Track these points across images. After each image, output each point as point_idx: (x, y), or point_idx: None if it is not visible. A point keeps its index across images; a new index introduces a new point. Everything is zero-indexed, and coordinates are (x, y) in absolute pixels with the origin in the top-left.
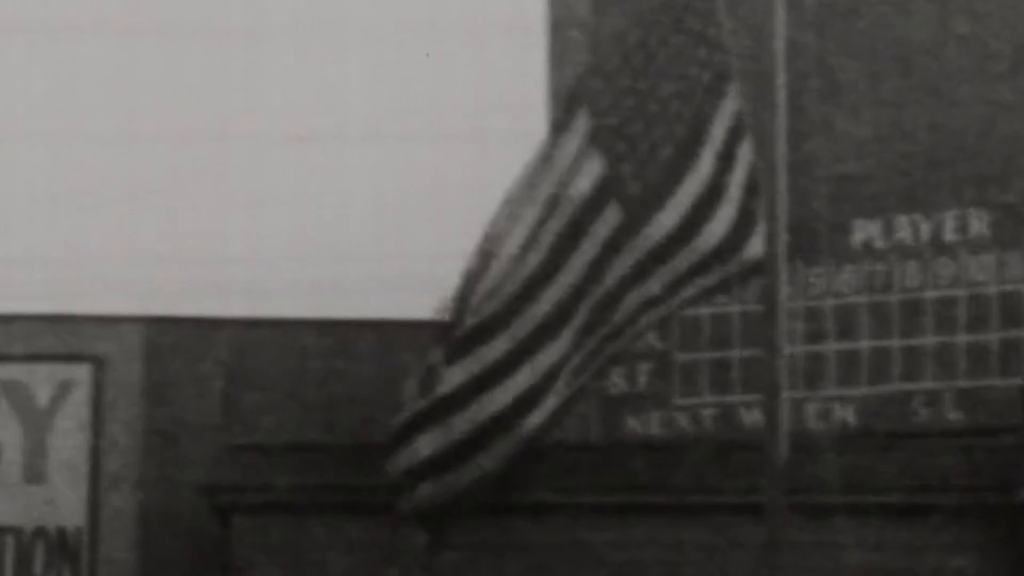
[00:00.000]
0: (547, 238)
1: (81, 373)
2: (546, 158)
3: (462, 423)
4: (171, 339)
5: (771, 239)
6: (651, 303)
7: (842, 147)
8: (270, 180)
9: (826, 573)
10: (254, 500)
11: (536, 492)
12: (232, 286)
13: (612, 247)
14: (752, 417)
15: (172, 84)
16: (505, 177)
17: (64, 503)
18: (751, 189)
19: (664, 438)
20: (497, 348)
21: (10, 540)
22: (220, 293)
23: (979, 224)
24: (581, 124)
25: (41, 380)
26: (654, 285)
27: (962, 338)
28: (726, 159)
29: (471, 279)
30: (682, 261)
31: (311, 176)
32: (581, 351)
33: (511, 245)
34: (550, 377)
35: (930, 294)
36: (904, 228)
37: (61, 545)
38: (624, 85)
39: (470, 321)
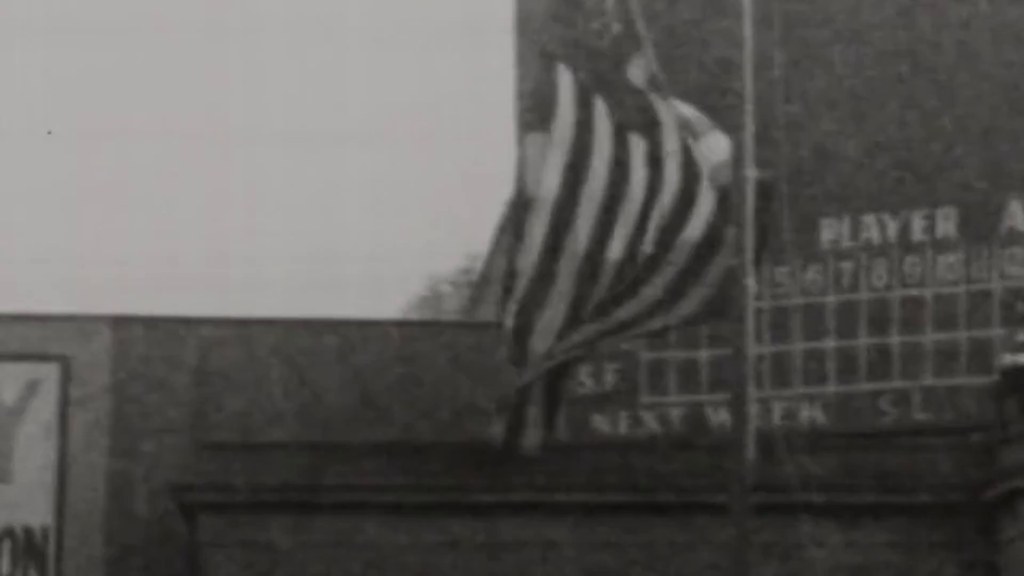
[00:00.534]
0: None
1: (48, 373)
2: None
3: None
4: (138, 339)
5: (738, 239)
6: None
7: (808, 147)
8: (250, 179)
9: (793, 572)
10: (220, 499)
11: (505, 491)
12: (215, 284)
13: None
14: (719, 417)
15: (165, 82)
16: (501, 176)
17: (31, 503)
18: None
19: (631, 437)
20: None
21: None
22: (196, 291)
23: (947, 223)
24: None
25: (8, 380)
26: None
27: (930, 337)
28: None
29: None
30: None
31: (303, 175)
32: None
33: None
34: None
35: (898, 293)
36: (872, 227)
37: (28, 545)
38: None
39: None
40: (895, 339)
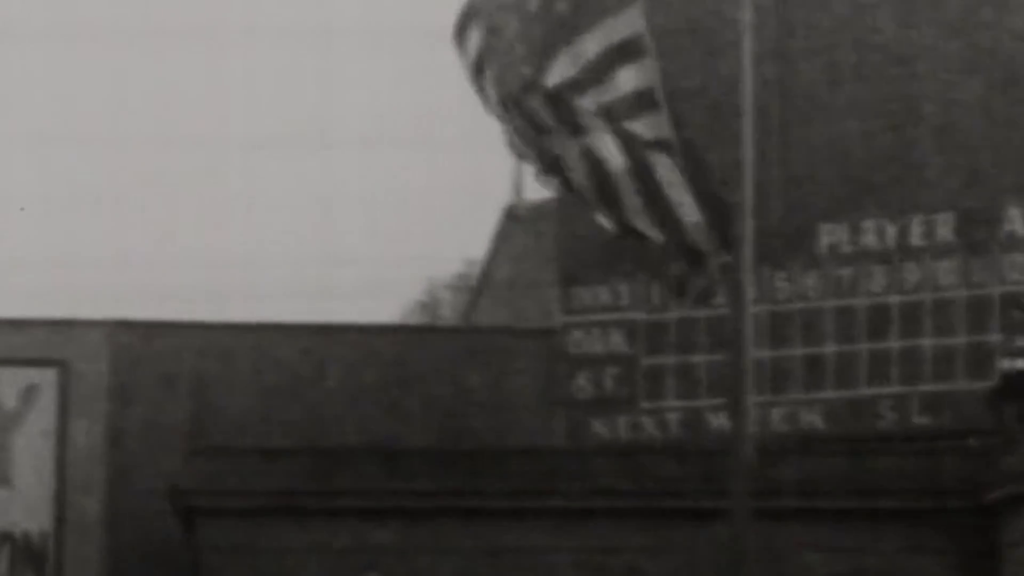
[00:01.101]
0: None
1: (47, 377)
2: None
3: None
4: (136, 344)
5: (737, 244)
6: None
7: (807, 152)
8: (246, 185)
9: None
10: (218, 503)
11: (503, 496)
12: (213, 289)
13: None
14: (718, 421)
15: (165, 88)
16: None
17: (30, 506)
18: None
19: (630, 442)
20: None
21: None
22: (194, 296)
23: (945, 229)
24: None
25: (7, 384)
26: None
27: (928, 342)
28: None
29: None
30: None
31: (301, 181)
32: None
33: None
34: None
35: (896, 298)
36: (870, 232)
37: (27, 548)
38: None
39: None
40: (894, 344)
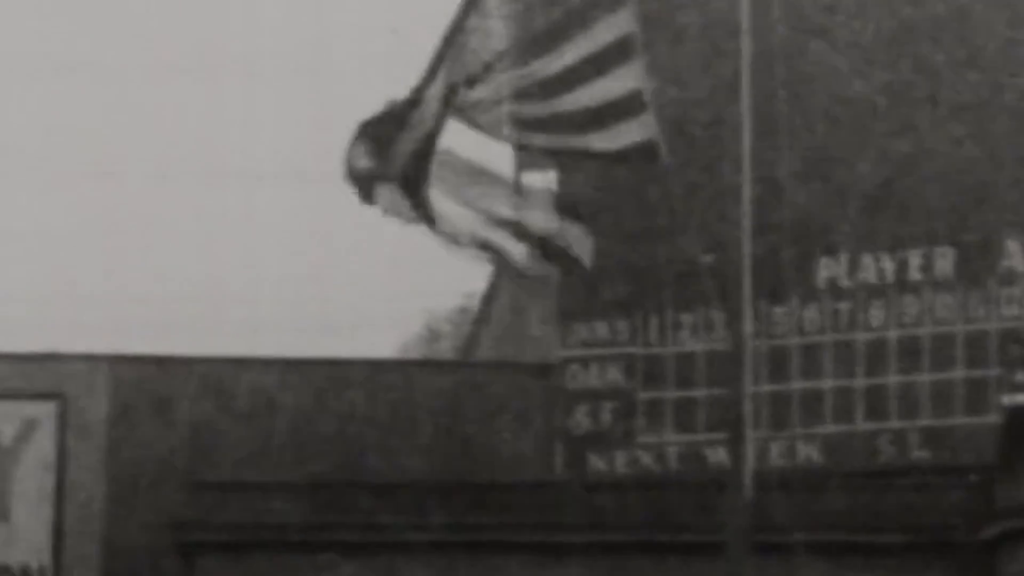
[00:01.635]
0: None
1: (46, 411)
2: None
3: None
4: (135, 378)
5: (736, 278)
6: None
7: (805, 186)
8: (246, 219)
9: None
10: (217, 537)
11: (503, 531)
12: (213, 323)
13: None
14: (717, 456)
15: (161, 122)
16: None
17: (28, 541)
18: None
19: (629, 476)
20: None
21: None
22: (193, 330)
23: (944, 263)
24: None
25: (5, 418)
26: None
27: (927, 377)
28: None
29: None
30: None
31: (300, 215)
32: None
33: None
34: None
35: (895, 333)
36: (869, 267)
37: None
38: None
39: None
40: (892, 379)
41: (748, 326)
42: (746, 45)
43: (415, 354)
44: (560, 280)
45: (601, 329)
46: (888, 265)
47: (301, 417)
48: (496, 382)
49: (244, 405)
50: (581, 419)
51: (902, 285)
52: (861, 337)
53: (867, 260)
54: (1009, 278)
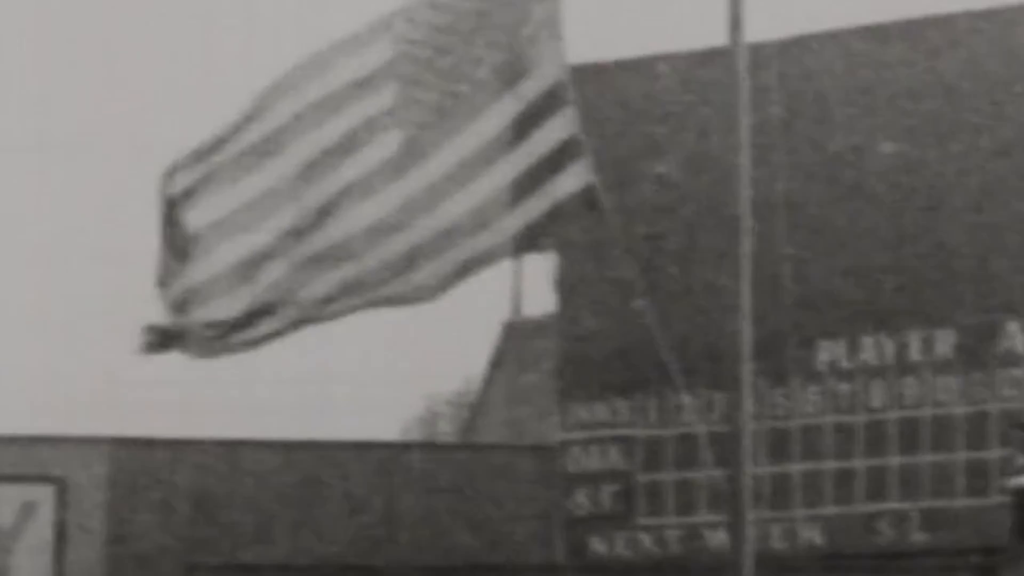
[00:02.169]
0: None
1: (44, 495)
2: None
3: None
4: (134, 461)
5: (736, 359)
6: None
7: (806, 268)
8: None
9: None
10: None
11: None
12: (208, 406)
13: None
14: (717, 538)
15: (147, 205)
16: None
17: None
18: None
19: (629, 559)
20: None
21: None
22: (191, 414)
23: (945, 345)
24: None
25: (3, 501)
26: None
27: (927, 458)
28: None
29: None
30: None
31: None
32: None
33: None
34: None
35: (895, 414)
36: (869, 348)
37: None
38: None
39: None
40: (893, 460)
41: (748, 408)
42: (745, 128)
43: (415, 436)
44: (559, 362)
45: (601, 411)
46: (889, 347)
47: (301, 499)
48: (496, 464)
49: (244, 487)
50: (581, 501)
51: (903, 367)
52: (861, 419)
53: (867, 342)
54: (1009, 360)
